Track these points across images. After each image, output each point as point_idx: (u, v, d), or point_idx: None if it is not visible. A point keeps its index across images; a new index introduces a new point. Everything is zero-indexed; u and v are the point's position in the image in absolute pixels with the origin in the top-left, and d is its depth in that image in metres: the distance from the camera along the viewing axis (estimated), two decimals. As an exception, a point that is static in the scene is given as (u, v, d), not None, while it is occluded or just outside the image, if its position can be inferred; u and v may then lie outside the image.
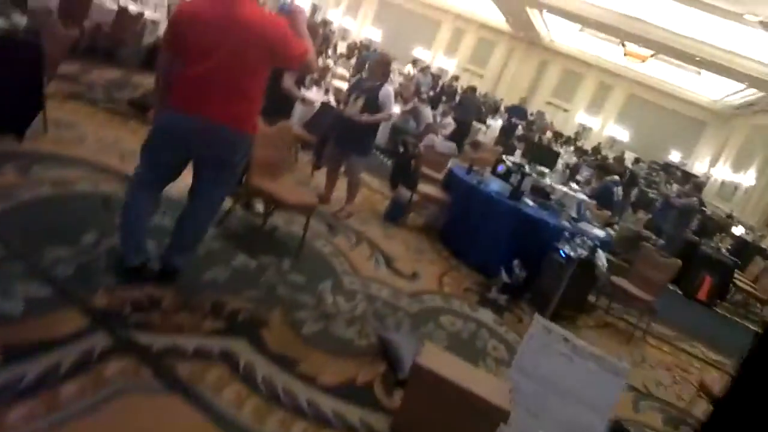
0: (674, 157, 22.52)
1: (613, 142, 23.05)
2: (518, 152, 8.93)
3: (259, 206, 4.11)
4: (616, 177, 7.85)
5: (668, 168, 19.08)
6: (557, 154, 8.52)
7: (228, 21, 2.45)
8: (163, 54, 2.70)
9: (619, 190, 7.61)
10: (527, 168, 7.58)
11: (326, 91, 6.61)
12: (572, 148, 17.58)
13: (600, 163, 10.46)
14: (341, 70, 11.19)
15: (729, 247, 9.37)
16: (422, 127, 8.34)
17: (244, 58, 2.51)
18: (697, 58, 16.18)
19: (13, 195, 3.15)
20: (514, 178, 5.12)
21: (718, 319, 7.59)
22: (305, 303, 3.27)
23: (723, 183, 18.79)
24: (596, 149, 19.69)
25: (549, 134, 18.96)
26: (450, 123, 9.40)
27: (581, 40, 22.00)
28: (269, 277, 3.39)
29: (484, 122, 13.15)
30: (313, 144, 5.55)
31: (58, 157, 3.80)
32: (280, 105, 4.22)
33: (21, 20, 3.54)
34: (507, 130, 12.85)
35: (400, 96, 9.14)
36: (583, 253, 4.80)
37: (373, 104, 4.78)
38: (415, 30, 25.42)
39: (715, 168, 20.92)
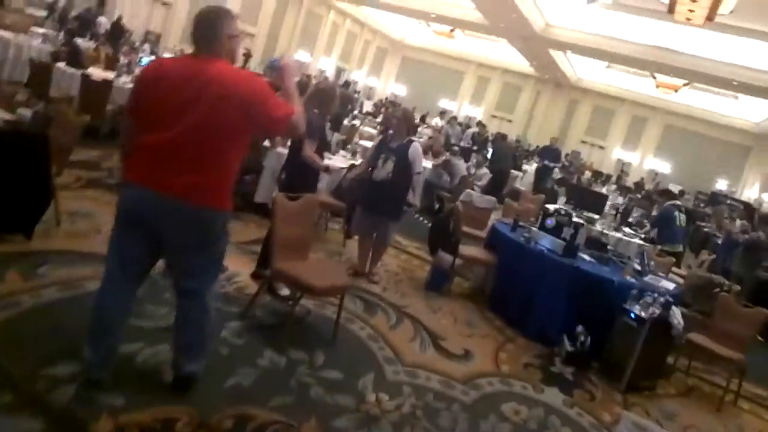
0: (721, 185, 21.55)
1: (654, 175, 22.25)
2: (561, 199, 8.42)
3: (285, 290, 3.71)
4: (678, 202, 7.19)
5: (716, 198, 18.10)
6: (605, 198, 7.97)
7: (198, 81, 2.10)
8: (126, 121, 2.33)
9: (681, 217, 6.94)
10: (575, 216, 7.08)
11: (353, 154, 6.31)
12: (615, 187, 16.91)
13: (659, 189, 9.78)
14: (368, 129, 11.01)
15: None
16: (456, 181, 7.95)
17: (216, 123, 2.10)
18: (735, 83, 15.57)
19: (13, 303, 2.83)
20: (566, 232, 4.62)
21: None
22: (344, 405, 2.79)
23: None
24: (639, 185, 18.93)
25: (588, 174, 18.38)
26: (485, 174, 9.00)
27: (609, 76, 21.66)
28: (301, 376, 2.94)
29: (520, 168, 12.71)
30: (343, 211, 5.20)
31: (69, 254, 3.52)
32: (302, 177, 3.90)
33: (26, 113, 3.36)
34: (541, 174, 12.30)
35: (431, 150, 8.83)
36: (655, 312, 4.21)
37: (404, 164, 4.44)
38: (438, 82, 25.62)
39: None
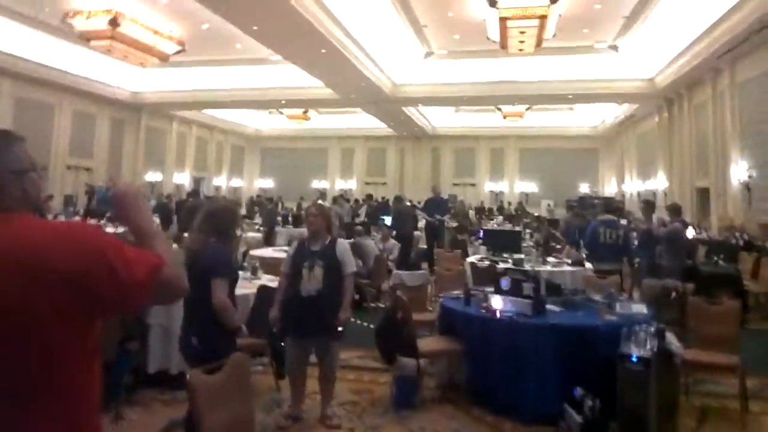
0: (584, 189, 23.10)
1: (526, 197, 23.39)
2: (479, 246, 8.03)
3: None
4: (609, 216, 6.87)
5: (584, 201, 19.19)
6: (519, 235, 7.68)
7: None
8: None
9: (608, 232, 6.61)
10: (501, 263, 6.63)
11: (253, 271, 5.31)
12: (501, 218, 17.26)
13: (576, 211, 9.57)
14: (252, 235, 10.03)
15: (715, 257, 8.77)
16: (371, 263, 7.23)
17: (29, 329, 1.12)
18: (570, 96, 16.82)
19: None
20: (527, 288, 4.02)
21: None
22: None
23: (639, 195, 19.10)
24: (520, 210, 19.61)
25: (472, 213, 18.67)
26: (394, 245, 8.40)
27: (460, 118, 22.79)
28: None
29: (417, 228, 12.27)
30: (265, 347, 4.16)
31: None
32: (220, 334, 2.90)
33: None
34: (435, 229, 11.49)
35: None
36: (654, 345, 3.69)
37: (335, 268, 3.62)
38: (304, 165, 25.36)
39: (625, 184, 21.52)
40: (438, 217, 11.37)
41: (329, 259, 3.62)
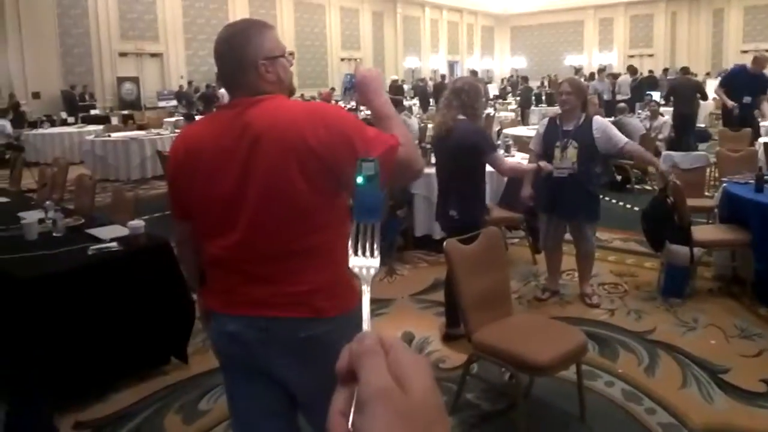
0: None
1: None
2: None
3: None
4: None
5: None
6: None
7: (244, 144, 1.32)
8: (178, 228, 1.54)
9: None
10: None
11: (507, 149, 5.30)
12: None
13: None
14: (505, 114, 9.91)
15: None
16: (637, 143, 6.56)
17: (286, 196, 1.31)
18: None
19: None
20: None
21: None
22: None
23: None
24: None
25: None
26: (665, 122, 7.41)
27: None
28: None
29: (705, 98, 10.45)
30: (520, 222, 4.22)
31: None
32: (474, 206, 3.05)
33: (137, 224, 2.92)
34: (734, 116, 7.05)
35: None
36: None
37: (591, 147, 3.39)
38: (558, 41, 23.73)
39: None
40: (747, 100, 7.00)
41: (584, 139, 3.36)
